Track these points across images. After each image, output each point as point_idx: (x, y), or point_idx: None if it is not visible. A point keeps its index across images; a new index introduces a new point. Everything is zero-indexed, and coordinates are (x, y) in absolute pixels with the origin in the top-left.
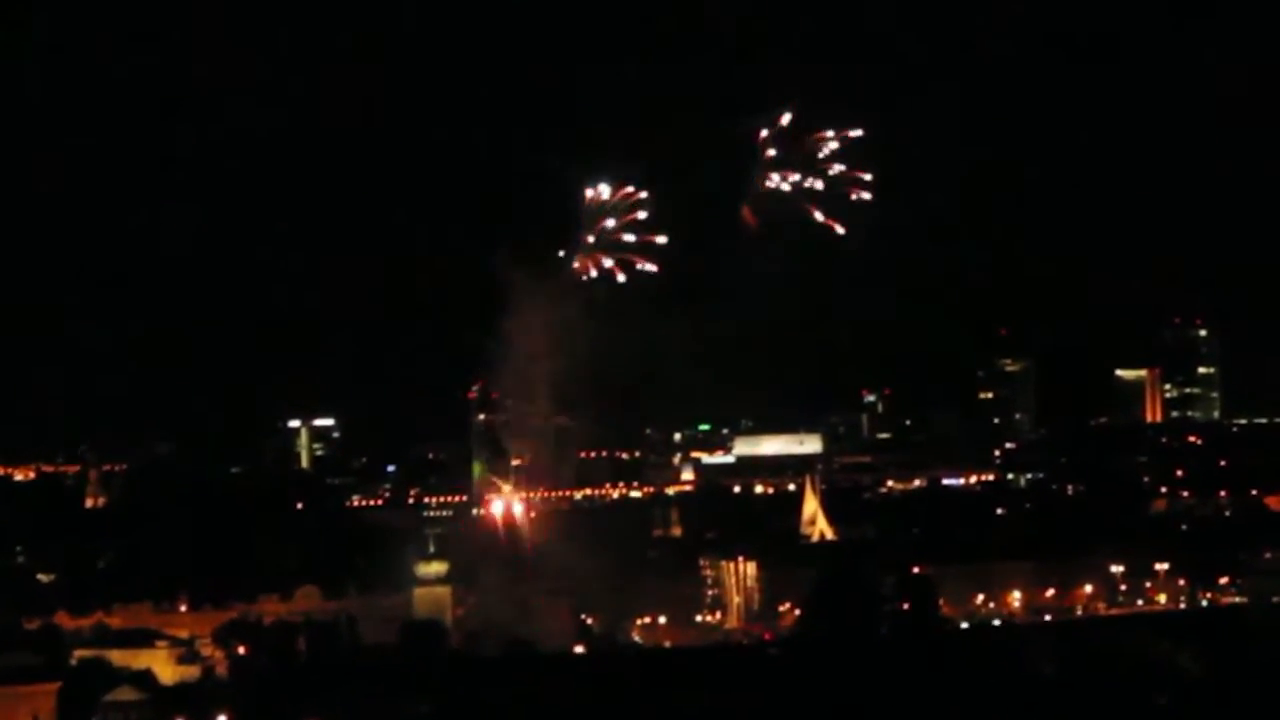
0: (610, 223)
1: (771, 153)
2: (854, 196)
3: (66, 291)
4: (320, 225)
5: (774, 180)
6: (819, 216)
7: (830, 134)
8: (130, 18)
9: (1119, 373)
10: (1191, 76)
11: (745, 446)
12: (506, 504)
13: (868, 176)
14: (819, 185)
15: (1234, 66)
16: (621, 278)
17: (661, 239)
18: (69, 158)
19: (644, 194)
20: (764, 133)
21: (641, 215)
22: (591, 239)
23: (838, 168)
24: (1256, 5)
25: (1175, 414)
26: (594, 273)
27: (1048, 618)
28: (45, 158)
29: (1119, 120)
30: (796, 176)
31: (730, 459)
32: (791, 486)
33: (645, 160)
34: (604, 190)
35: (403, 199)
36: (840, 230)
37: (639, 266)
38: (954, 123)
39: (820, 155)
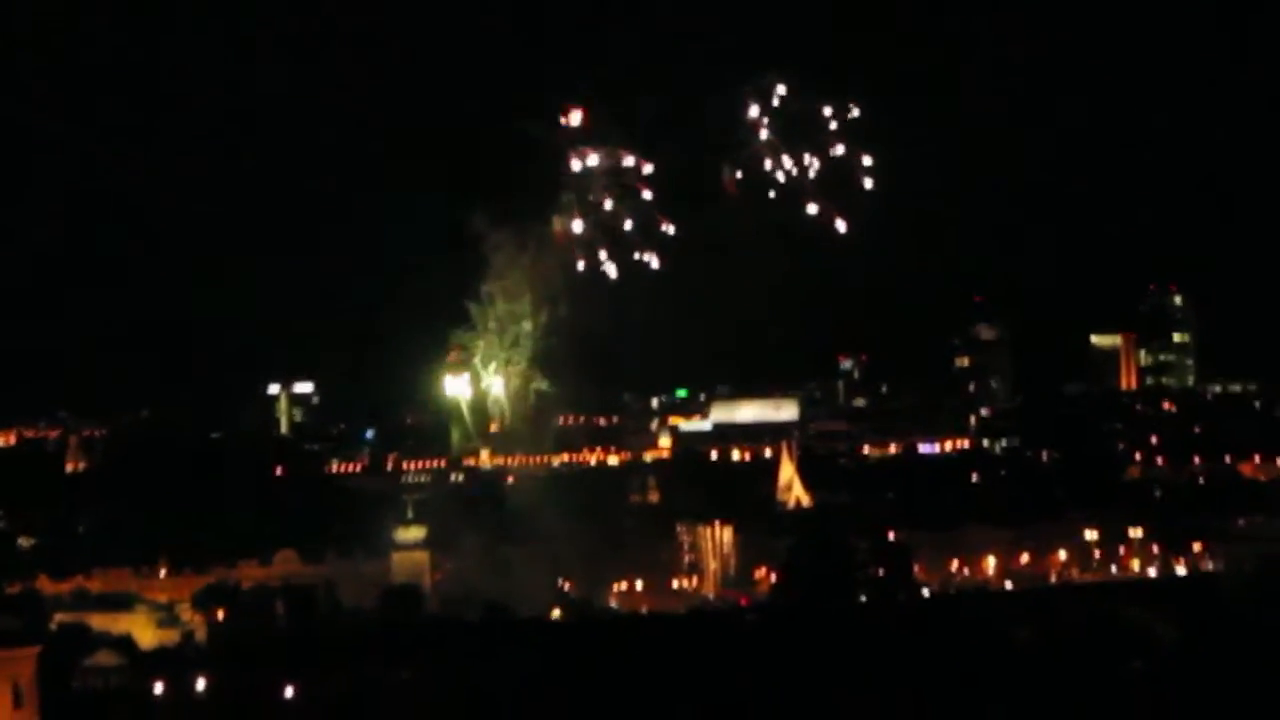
0: (608, 204)
1: (758, 119)
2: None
3: (47, 259)
4: (300, 189)
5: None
6: (812, 209)
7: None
8: None
9: (1094, 340)
10: (1167, 47)
11: (722, 413)
12: (484, 470)
13: (867, 161)
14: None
15: (1208, 37)
16: (613, 272)
17: (669, 228)
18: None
19: (630, 160)
20: (754, 109)
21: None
22: (579, 225)
23: (838, 149)
24: None
25: (1150, 381)
26: (581, 265)
27: (1022, 584)
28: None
29: (1096, 88)
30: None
31: (707, 425)
32: (768, 453)
33: (629, 126)
34: (592, 156)
35: (384, 160)
36: (841, 226)
37: (640, 257)
38: (935, 90)
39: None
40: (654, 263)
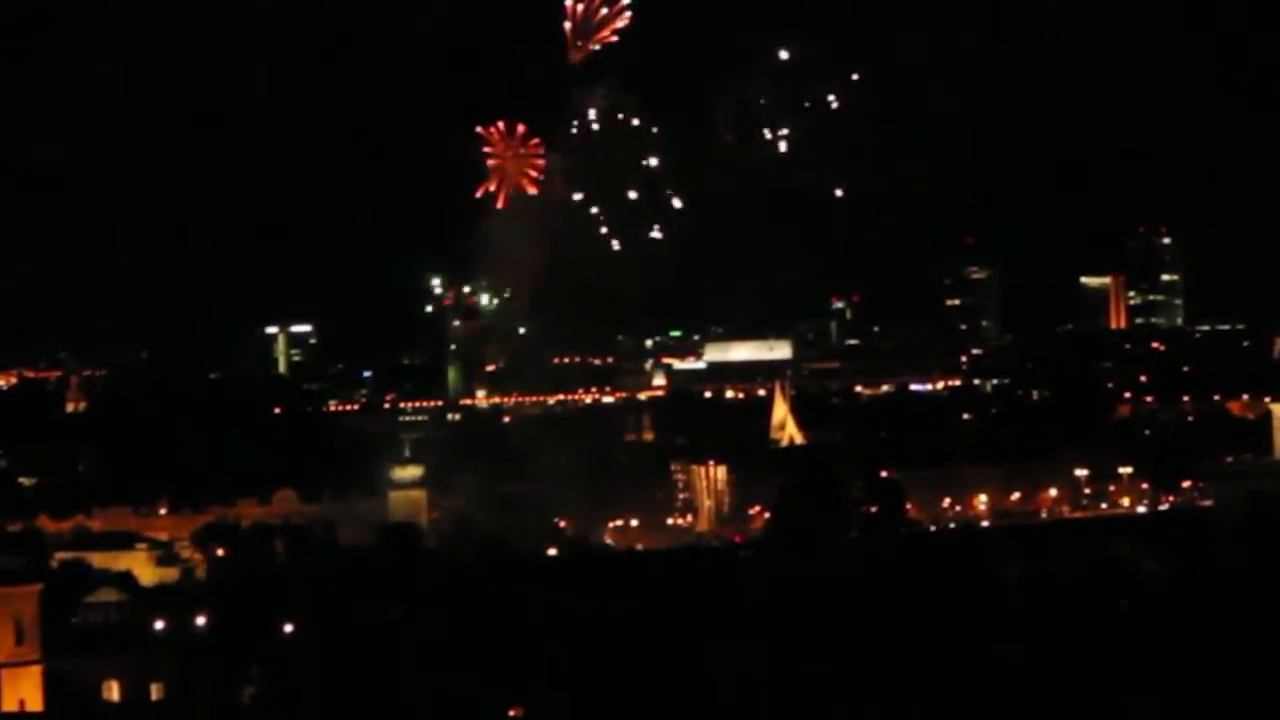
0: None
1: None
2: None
3: (48, 197)
4: (300, 128)
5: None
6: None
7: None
8: None
9: (1084, 280)
10: None
11: (716, 353)
12: (481, 409)
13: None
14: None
15: None
16: (616, 245)
17: (677, 202)
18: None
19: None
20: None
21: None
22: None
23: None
24: None
25: (1139, 320)
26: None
27: (1013, 521)
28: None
29: (1088, 28)
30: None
31: (701, 365)
32: (761, 392)
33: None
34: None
35: (387, 93)
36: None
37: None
38: (930, 35)
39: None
40: (656, 227)
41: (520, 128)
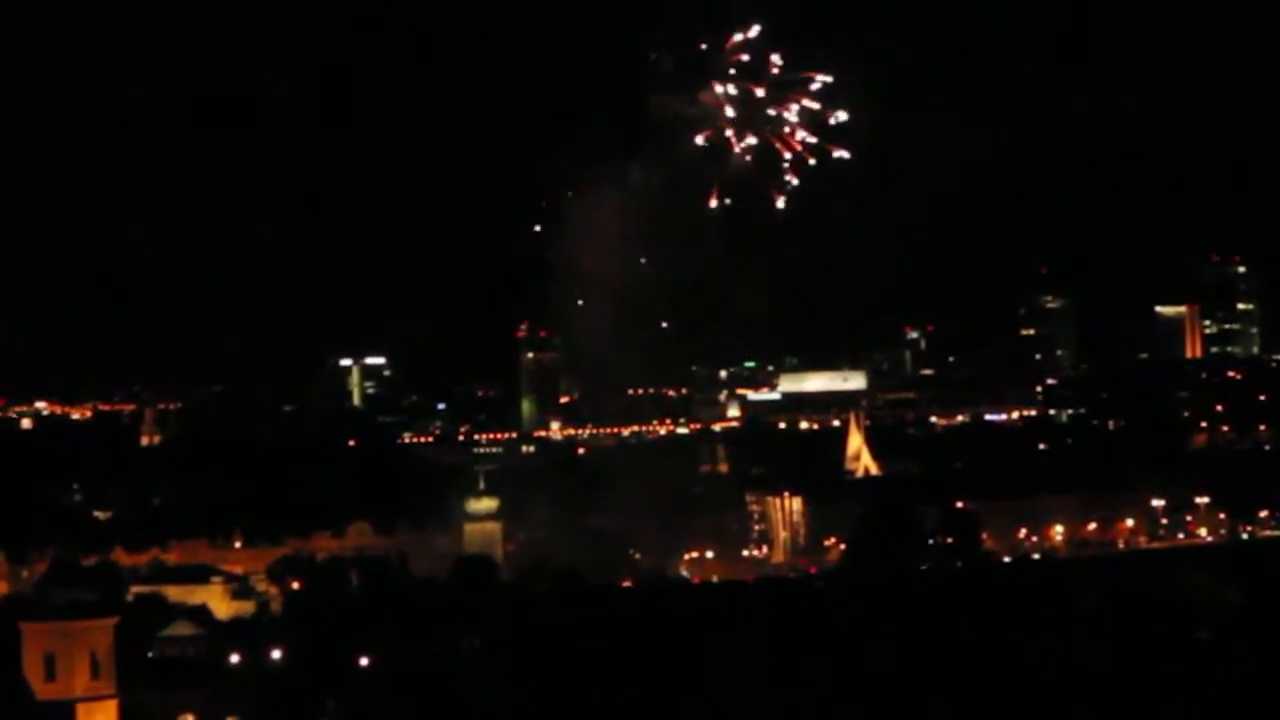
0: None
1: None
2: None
3: (122, 233)
4: (374, 164)
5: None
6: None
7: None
8: None
9: (1159, 309)
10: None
11: (790, 383)
12: (555, 441)
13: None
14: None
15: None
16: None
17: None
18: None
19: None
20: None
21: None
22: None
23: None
24: None
25: (1215, 350)
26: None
27: (1090, 552)
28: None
29: (1159, 57)
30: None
31: (776, 396)
32: (836, 423)
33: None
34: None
35: (461, 125)
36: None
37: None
38: (990, 58)
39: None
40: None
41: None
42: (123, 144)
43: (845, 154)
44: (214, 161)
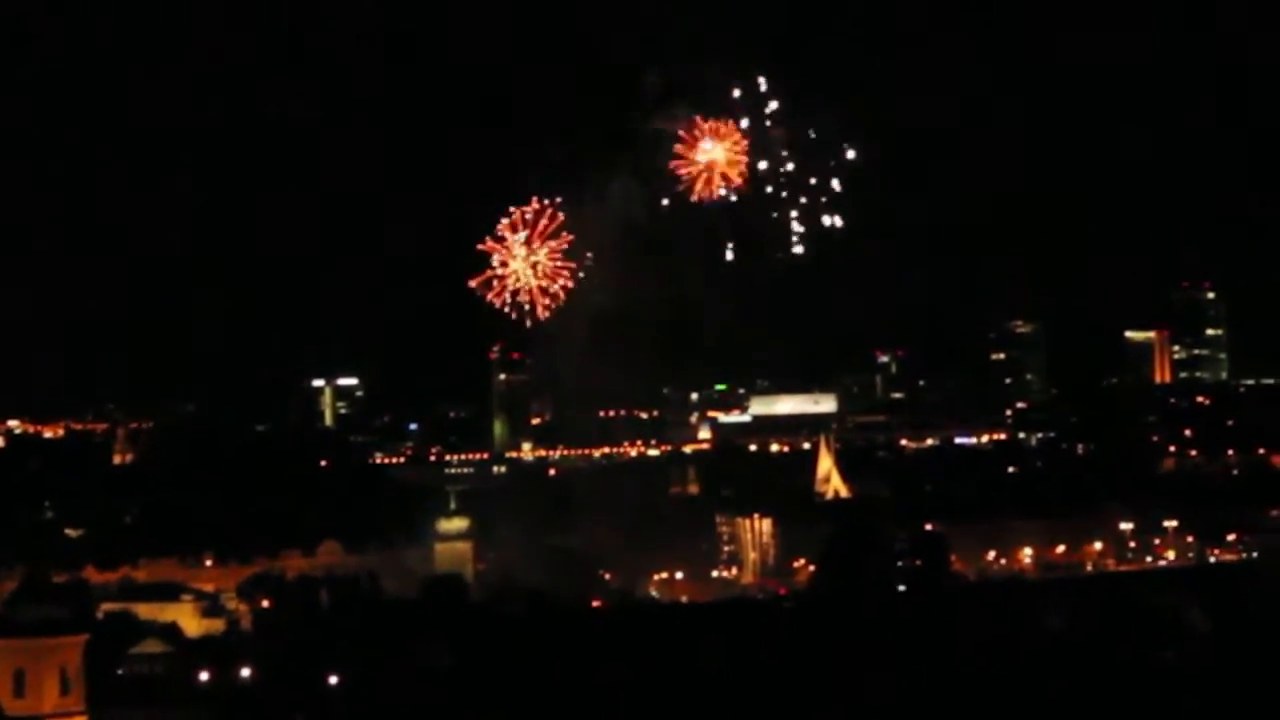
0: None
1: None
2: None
3: (95, 252)
4: (343, 184)
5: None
6: (832, 219)
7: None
8: None
9: (1128, 334)
10: (1193, 38)
11: (761, 406)
12: (527, 462)
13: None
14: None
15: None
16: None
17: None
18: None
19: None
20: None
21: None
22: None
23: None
24: None
25: (1184, 375)
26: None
27: (1058, 574)
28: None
29: (1125, 82)
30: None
31: (746, 418)
32: (806, 445)
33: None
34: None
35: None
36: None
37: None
38: (957, 81)
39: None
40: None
41: None
42: (94, 166)
43: (838, 221)
44: (185, 183)
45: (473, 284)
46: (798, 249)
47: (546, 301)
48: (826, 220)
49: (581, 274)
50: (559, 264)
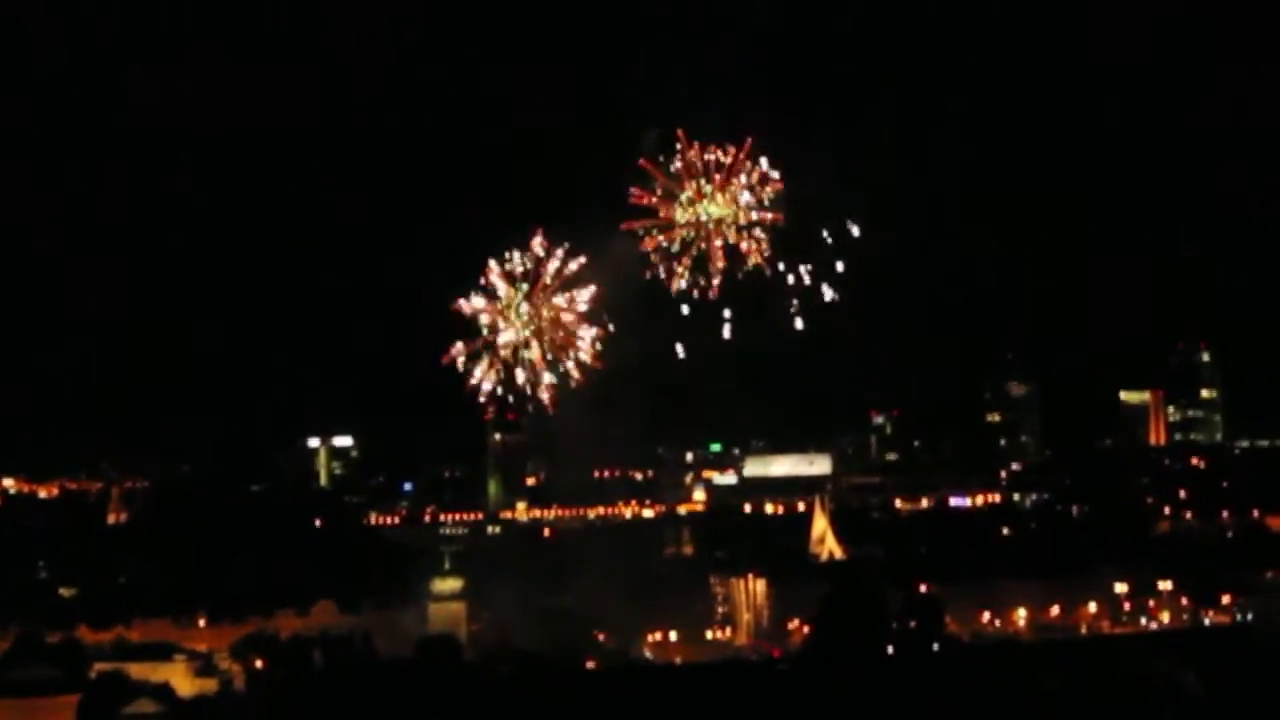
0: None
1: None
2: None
3: (90, 312)
4: (336, 241)
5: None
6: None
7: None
8: None
9: (1123, 396)
10: (1188, 94)
11: (756, 467)
12: (521, 522)
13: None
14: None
15: (1234, 86)
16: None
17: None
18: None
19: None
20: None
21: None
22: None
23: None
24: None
25: (1178, 437)
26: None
27: (1053, 636)
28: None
29: (1121, 141)
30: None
31: (741, 478)
32: (801, 506)
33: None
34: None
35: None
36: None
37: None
38: (949, 142)
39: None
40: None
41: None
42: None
43: (834, 295)
44: (180, 239)
45: (451, 357)
46: (798, 323)
47: (553, 380)
48: (828, 294)
49: (599, 344)
50: (571, 322)
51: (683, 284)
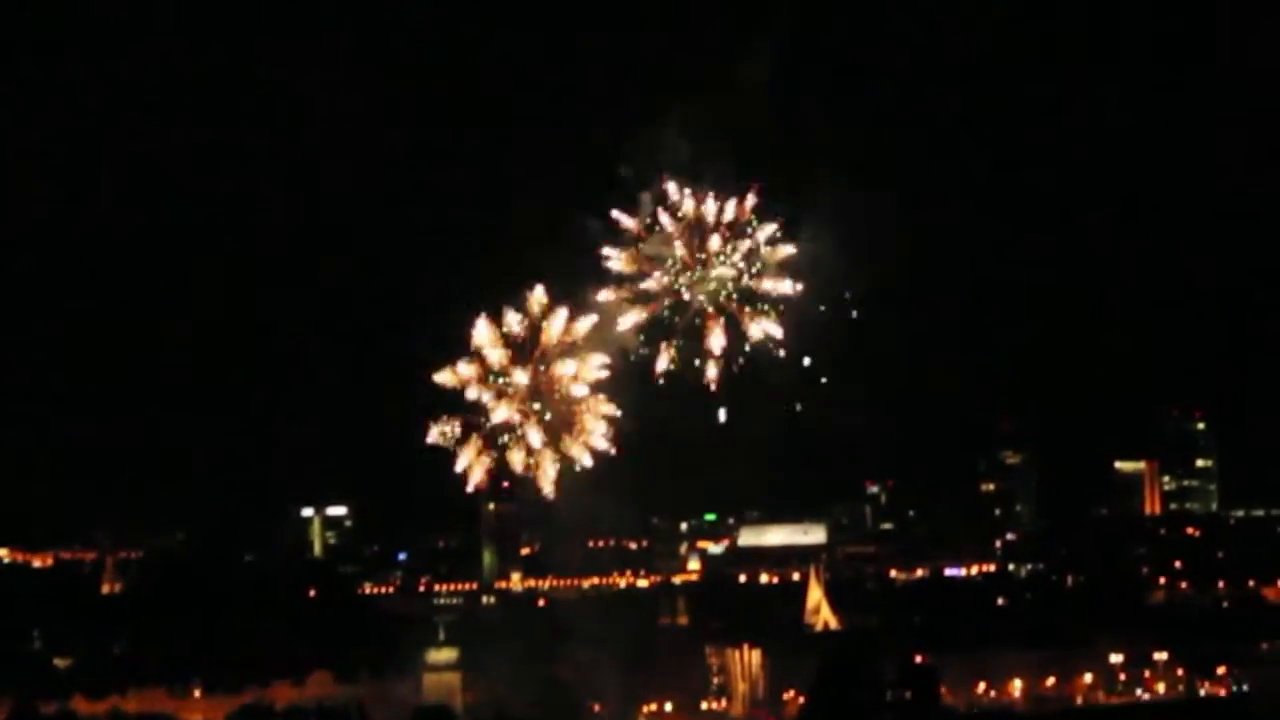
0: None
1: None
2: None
3: (82, 379)
4: (333, 303)
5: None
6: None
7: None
8: None
9: (1118, 465)
10: (1183, 149)
11: (750, 537)
12: (516, 592)
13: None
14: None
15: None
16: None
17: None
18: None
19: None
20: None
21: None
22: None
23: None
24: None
25: (1174, 506)
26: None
27: (1049, 707)
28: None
29: (1113, 199)
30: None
31: (736, 548)
32: (796, 576)
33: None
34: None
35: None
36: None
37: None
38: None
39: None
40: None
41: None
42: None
43: (807, 361)
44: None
45: (435, 437)
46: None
47: (555, 467)
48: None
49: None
50: (582, 398)
51: (670, 365)
